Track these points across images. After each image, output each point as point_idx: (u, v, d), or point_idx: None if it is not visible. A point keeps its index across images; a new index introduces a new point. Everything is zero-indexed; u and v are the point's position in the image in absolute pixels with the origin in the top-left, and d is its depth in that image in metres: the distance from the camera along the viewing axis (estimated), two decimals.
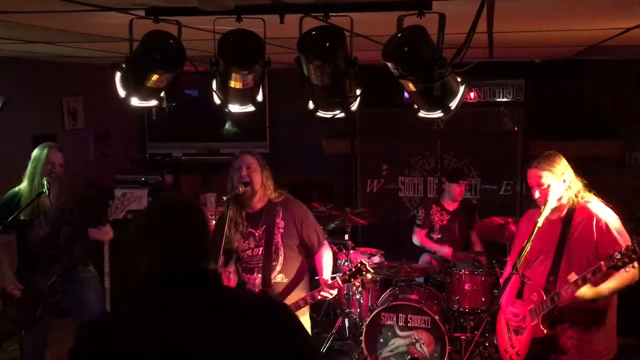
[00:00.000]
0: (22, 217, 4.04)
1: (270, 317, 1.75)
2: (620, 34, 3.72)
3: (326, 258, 3.72)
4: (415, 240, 5.78)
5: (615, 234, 3.20)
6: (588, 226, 3.25)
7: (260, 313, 1.74)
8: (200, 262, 1.82)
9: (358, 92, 2.78)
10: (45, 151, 4.07)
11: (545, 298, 3.25)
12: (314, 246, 3.70)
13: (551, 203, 3.30)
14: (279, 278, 3.57)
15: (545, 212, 3.27)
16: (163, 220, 1.83)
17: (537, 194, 3.31)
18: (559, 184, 3.28)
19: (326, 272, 3.68)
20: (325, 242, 3.78)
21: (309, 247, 3.71)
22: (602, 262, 2.99)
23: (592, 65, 6.43)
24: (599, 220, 3.23)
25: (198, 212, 1.90)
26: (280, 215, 3.59)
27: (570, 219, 3.31)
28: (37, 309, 4.05)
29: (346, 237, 5.34)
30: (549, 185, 3.27)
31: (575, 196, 3.32)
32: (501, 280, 3.79)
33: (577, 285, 3.08)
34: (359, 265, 3.56)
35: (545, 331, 3.25)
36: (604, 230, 3.21)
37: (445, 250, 5.50)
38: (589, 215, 3.26)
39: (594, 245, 3.23)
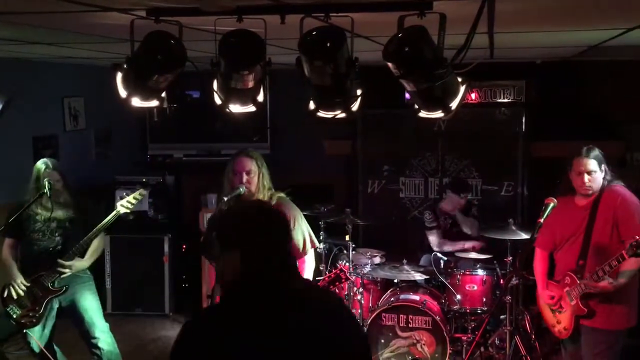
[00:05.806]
0: (33, 235, 4.15)
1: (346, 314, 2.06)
2: (620, 34, 3.73)
3: (306, 269, 3.71)
4: (434, 244, 5.51)
5: (637, 216, 3.57)
6: (612, 208, 3.63)
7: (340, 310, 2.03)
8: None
9: (359, 92, 2.79)
10: (42, 170, 4.12)
11: (578, 282, 3.67)
12: (297, 251, 3.67)
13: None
14: None
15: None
16: (272, 222, 1.97)
17: (587, 181, 3.66)
18: (602, 173, 3.69)
19: None
20: (310, 253, 3.76)
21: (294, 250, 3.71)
22: (623, 251, 3.36)
23: (593, 65, 6.41)
24: (621, 202, 3.62)
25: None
26: None
27: (598, 204, 3.68)
28: (42, 305, 4.10)
29: (347, 237, 5.33)
30: (595, 172, 3.65)
31: (606, 184, 3.69)
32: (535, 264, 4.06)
33: (598, 277, 3.51)
34: (339, 272, 3.56)
35: (586, 309, 3.67)
36: (625, 211, 3.60)
37: (472, 244, 5.41)
38: (614, 197, 3.66)
39: (615, 226, 3.59)
